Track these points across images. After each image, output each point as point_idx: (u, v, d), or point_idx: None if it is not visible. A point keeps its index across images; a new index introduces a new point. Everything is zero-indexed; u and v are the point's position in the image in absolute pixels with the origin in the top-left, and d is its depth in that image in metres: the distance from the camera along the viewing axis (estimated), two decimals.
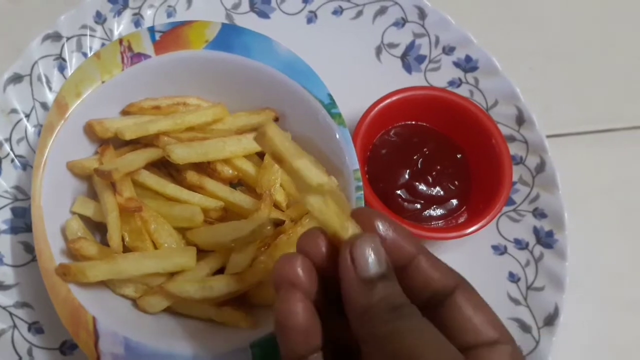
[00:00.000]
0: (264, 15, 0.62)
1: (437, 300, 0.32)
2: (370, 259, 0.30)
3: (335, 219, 0.32)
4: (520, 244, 0.55)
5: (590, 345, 0.55)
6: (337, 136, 0.49)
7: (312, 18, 0.63)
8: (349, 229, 0.32)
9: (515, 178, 0.56)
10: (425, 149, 0.55)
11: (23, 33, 0.58)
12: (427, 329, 0.29)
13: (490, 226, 0.52)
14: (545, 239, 0.54)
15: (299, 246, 0.33)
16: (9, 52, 0.55)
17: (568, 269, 0.52)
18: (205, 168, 0.48)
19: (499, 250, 0.55)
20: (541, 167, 0.57)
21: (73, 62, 0.56)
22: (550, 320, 0.51)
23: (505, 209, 0.55)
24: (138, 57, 0.49)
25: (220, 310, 0.44)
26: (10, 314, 0.48)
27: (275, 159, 0.32)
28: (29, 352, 0.47)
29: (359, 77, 0.60)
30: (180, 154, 0.46)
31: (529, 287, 0.53)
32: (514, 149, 0.57)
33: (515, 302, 0.53)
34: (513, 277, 0.54)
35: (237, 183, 0.51)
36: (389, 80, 0.59)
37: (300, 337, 0.31)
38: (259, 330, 0.43)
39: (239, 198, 0.48)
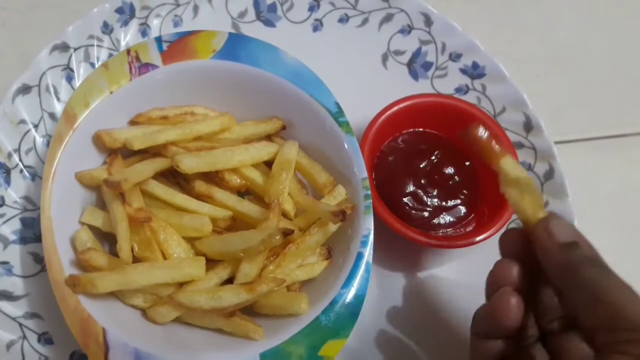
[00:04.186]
0: (270, 23, 0.62)
1: None
2: (564, 230, 0.38)
3: (529, 207, 0.39)
4: None
5: None
6: (345, 145, 0.49)
7: (318, 26, 0.63)
8: (540, 215, 0.39)
9: None
10: (433, 157, 0.55)
11: (31, 44, 0.58)
12: (626, 286, 0.34)
13: (499, 234, 0.52)
14: None
15: (501, 242, 0.42)
16: (17, 63, 0.55)
17: None
18: (213, 177, 0.49)
19: None
20: (550, 174, 0.57)
21: (81, 72, 0.56)
22: None
23: (514, 216, 0.55)
24: (146, 67, 0.49)
25: (230, 320, 0.44)
26: (20, 324, 0.48)
27: (484, 157, 0.41)
28: None
29: (365, 85, 0.60)
30: (189, 163, 0.46)
31: None
32: (522, 156, 0.57)
33: None
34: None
35: (245, 192, 0.51)
36: (395, 87, 0.59)
37: (512, 327, 0.38)
38: (268, 341, 0.43)
39: (248, 207, 0.48)
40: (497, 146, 0.41)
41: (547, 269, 0.38)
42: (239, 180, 0.49)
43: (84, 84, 0.48)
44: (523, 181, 0.40)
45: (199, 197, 0.48)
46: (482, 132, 0.41)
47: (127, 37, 0.59)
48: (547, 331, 0.40)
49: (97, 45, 0.57)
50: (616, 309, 0.33)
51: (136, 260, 0.45)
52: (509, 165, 0.41)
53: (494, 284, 0.40)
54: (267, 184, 0.48)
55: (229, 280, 0.46)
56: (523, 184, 0.40)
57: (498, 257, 0.55)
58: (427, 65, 0.62)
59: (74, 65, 0.56)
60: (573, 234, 0.38)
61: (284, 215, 0.48)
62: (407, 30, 0.62)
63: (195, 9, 0.61)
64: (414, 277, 0.55)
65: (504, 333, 0.39)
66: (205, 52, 0.50)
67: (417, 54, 0.62)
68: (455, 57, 0.61)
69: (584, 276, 0.35)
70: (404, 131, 0.57)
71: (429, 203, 0.54)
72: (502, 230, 0.54)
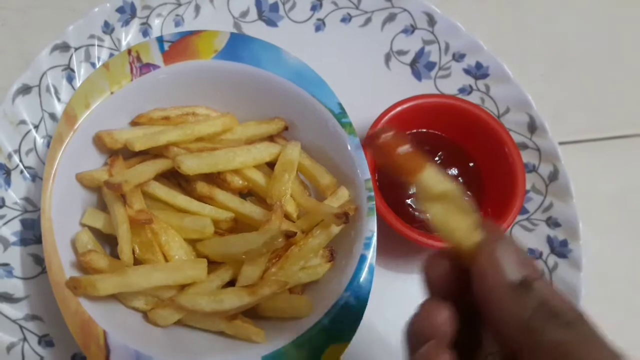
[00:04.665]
0: (272, 23, 0.62)
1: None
2: (515, 262, 0.28)
3: (459, 227, 0.30)
4: (534, 254, 0.54)
5: None
6: (348, 145, 0.49)
7: (320, 26, 0.62)
8: (476, 238, 0.30)
9: (528, 186, 0.55)
10: (436, 157, 0.54)
11: (31, 44, 0.58)
12: (598, 340, 0.27)
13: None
14: (560, 249, 0.54)
15: (426, 275, 0.32)
16: (17, 63, 0.55)
17: (583, 279, 0.52)
18: (215, 178, 0.48)
19: None
20: (554, 175, 0.56)
21: (81, 72, 0.56)
22: None
23: (518, 217, 0.55)
24: (147, 67, 0.49)
25: (232, 323, 0.44)
26: (21, 326, 0.48)
27: (395, 170, 0.31)
28: None
29: (368, 85, 0.60)
30: (190, 164, 0.46)
31: None
32: (526, 157, 0.57)
33: None
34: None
35: (247, 193, 0.50)
36: (398, 87, 0.58)
37: None
38: (270, 344, 0.43)
39: (250, 209, 0.47)
40: (408, 158, 0.31)
41: (494, 320, 0.29)
42: (240, 182, 0.49)
43: (84, 84, 0.48)
44: (449, 194, 0.31)
45: (201, 198, 0.47)
46: (391, 139, 0.31)
47: (128, 36, 0.58)
48: None
49: (98, 45, 0.57)
50: None
51: (137, 262, 0.44)
52: (431, 179, 0.31)
53: (418, 334, 0.30)
54: (269, 185, 0.48)
55: (231, 283, 0.45)
56: (450, 199, 0.31)
57: None
58: (430, 66, 0.61)
59: (74, 65, 0.56)
60: (524, 263, 0.29)
61: (286, 217, 0.48)
62: (410, 30, 0.62)
63: (197, 8, 0.61)
64: (418, 280, 0.54)
65: None
66: (207, 52, 0.50)
67: (420, 54, 0.62)
68: (458, 57, 0.61)
69: (546, 337, 0.27)
70: (408, 132, 0.56)
71: None
72: (507, 231, 0.53)
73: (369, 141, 0.31)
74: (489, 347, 0.31)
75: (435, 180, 0.31)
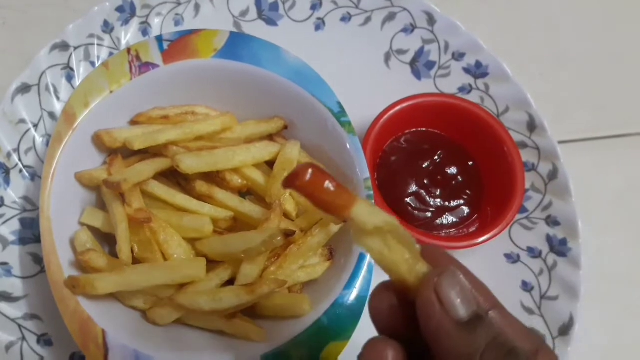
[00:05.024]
0: (272, 22, 0.62)
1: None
2: (461, 297, 0.27)
3: (401, 262, 0.28)
4: (534, 253, 0.54)
5: (606, 356, 0.54)
6: (347, 145, 0.48)
7: (320, 25, 0.62)
8: (420, 271, 0.28)
9: (527, 185, 0.55)
10: (436, 156, 0.54)
11: (31, 43, 0.58)
12: None
13: (502, 234, 0.51)
14: (559, 247, 0.54)
15: (371, 309, 0.30)
16: (17, 62, 0.55)
17: (583, 278, 0.52)
18: (214, 177, 0.48)
19: (512, 258, 0.55)
20: (554, 173, 0.56)
21: (81, 71, 0.56)
22: (565, 330, 0.50)
23: (517, 216, 0.55)
24: (146, 66, 0.49)
25: (231, 322, 0.44)
26: (19, 326, 0.48)
27: (325, 209, 0.29)
28: None
29: (368, 84, 0.60)
30: (190, 163, 0.46)
31: (542, 297, 0.52)
32: (525, 156, 0.57)
33: (529, 311, 0.52)
34: (526, 286, 0.53)
35: (247, 192, 0.50)
36: (398, 86, 0.58)
37: None
38: (269, 343, 0.43)
39: (249, 208, 0.47)
40: (336, 195, 0.28)
41: (443, 358, 0.27)
42: (240, 181, 0.49)
43: (83, 83, 0.48)
44: (385, 228, 0.28)
45: (200, 197, 0.47)
46: (314, 176, 0.27)
47: (128, 36, 0.58)
48: None
49: (98, 44, 0.57)
50: None
51: (136, 261, 0.44)
52: (364, 213, 0.28)
53: None
54: (269, 184, 0.48)
55: (230, 282, 0.45)
56: (387, 232, 0.28)
57: (501, 257, 0.55)
58: (430, 65, 0.61)
59: (74, 65, 0.55)
60: (472, 296, 0.27)
61: (286, 215, 0.48)
62: (410, 29, 0.62)
63: (197, 7, 0.61)
64: None
65: None
66: (207, 52, 0.50)
67: (420, 53, 0.62)
68: (458, 56, 0.61)
69: None
70: (407, 131, 0.56)
71: (431, 203, 0.53)
72: (507, 230, 0.53)
73: (289, 183, 0.28)
74: None
75: (368, 214, 0.28)
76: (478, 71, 0.60)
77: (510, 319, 0.28)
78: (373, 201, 0.47)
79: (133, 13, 0.59)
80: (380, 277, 0.53)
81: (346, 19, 0.62)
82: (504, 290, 0.52)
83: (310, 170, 0.27)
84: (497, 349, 0.26)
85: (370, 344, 0.29)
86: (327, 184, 0.28)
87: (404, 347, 0.28)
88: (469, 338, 0.26)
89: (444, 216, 0.53)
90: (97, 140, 0.48)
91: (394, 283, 0.29)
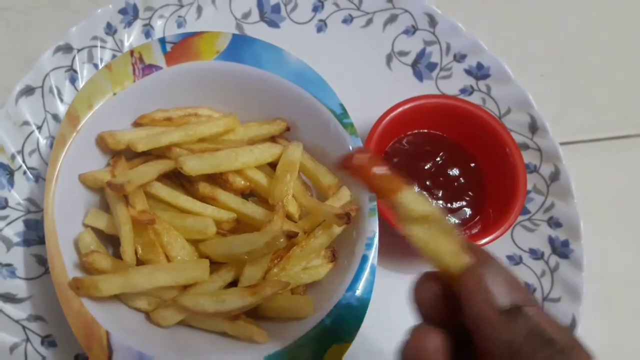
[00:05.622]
0: (274, 24, 0.62)
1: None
2: (503, 288, 0.28)
3: (445, 251, 0.30)
4: (536, 254, 0.54)
5: (609, 358, 0.53)
6: (350, 146, 0.49)
7: (322, 27, 0.62)
8: (463, 261, 0.29)
9: (529, 187, 0.56)
10: (438, 158, 0.54)
11: (34, 45, 0.58)
12: None
13: (504, 236, 0.52)
14: (561, 249, 0.54)
15: (415, 299, 0.31)
16: (20, 64, 0.55)
17: (585, 279, 0.52)
18: (217, 179, 0.48)
19: (514, 260, 0.55)
20: (555, 175, 0.56)
21: (84, 73, 0.56)
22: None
23: (519, 218, 0.55)
24: (149, 68, 0.49)
25: (234, 323, 0.44)
26: (24, 327, 0.48)
27: (375, 192, 0.31)
28: None
29: (369, 86, 0.60)
30: (193, 165, 0.46)
31: (545, 298, 0.53)
32: (527, 157, 0.57)
33: None
34: (529, 288, 0.53)
35: (249, 194, 0.50)
36: (400, 88, 0.58)
37: None
38: (272, 344, 0.43)
39: (252, 209, 0.47)
40: (386, 179, 0.31)
41: (485, 346, 0.28)
42: (243, 182, 0.49)
43: (87, 85, 0.48)
44: (431, 217, 0.30)
45: (203, 199, 0.47)
46: (368, 160, 0.31)
47: (131, 38, 0.59)
48: None
49: (101, 47, 0.57)
50: None
51: (140, 262, 0.45)
52: (410, 199, 0.30)
53: None
54: (271, 185, 0.48)
55: (233, 283, 0.45)
56: (432, 222, 0.30)
57: (503, 259, 0.55)
58: (431, 66, 0.61)
59: (77, 67, 0.56)
60: (515, 288, 0.29)
61: (288, 217, 0.48)
62: (411, 31, 0.62)
63: (199, 9, 0.61)
64: None
65: None
66: (209, 53, 0.50)
67: (421, 54, 0.62)
68: (459, 57, 0.61)
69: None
70: (409, 132, 0.56)
71: (434, 205, 0.53)
72: (509, 231, 0.53)
73: (345, 164, 0.30)
74: None
75: (415, 202, 0.30)
76: (479, 72, 0.60)
77: (548, 316, 0.29)
78: (376, 203, 0.47)
79: (136, 15, 0.59)
80: (382, 279, 0.53)
81: (348, 20, 0.62)
82: None
83: (365, 155, 0.30)
84: (535, 338, 0.27)
85: (415, 331, 0.30)
86: (380, 168, 0.30)
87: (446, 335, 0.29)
88: (509, 326, 0.27)
89: (446, 218, 0.54)
90: (101, 142, 0.48)
91: (437, 272, 0.30)
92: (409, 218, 0.30)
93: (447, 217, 0.31)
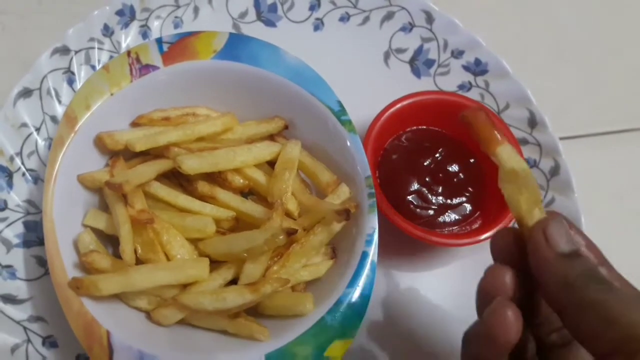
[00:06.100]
0: (270, 23, 0.62)
1: None
2: (564, 238, 0.33)
3: (524, 203, 0.35)
4: None
5: None
6: (348, 143, 0.49)
7: (319, 25, 0.62)
8: (536, 215, 0.35)
9: None
10: (437, 154, 0.54)
11: (32, 47, 0.58)
12: (632, 300, 0.30)
13: None
14: None
15: (493, 244, 0.36)
16: (18, 67, 0.55)
17: None
18: (216, 178, 0.48)
19: None
20: (555, 170, 0.56)
21: (82, 75, 0.56)
22: None
23: None
24: (146, 68, 0.49)
25: (234, 321, 0.44)
26: (24, 328, 0.48)
27: (481, 143, 0.37)
28: None
29: (367, 83, 0.60)
30: (191, 164, 0.46)
31: None
32: (527, 152, 0.57)
33: None
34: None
35: (248, 192, 0.50)
36: (398, 85, 0.58)
37: (510, 346, 0.33)
38: (273, 342, 0.43)
39: (251, 207, 0.47)
40: (495, 132, 0.37)
41: (544, 283, 0.33)
42: (241, 181, 0.49)
43: (84, 86, 0.48)
44: (521, 174, 0.36)
45: (202, 198, 0.47)
46: (481, 116, 0.38)
47: (128, 39, 0.59)
48: (547, 344, 0.36)
49: (98, 48, 0.57)
50: (630, 331, 0.28)
51: (139, 262, 0.45)
52: (506, 154, 0.36)
53: (486, 294, 0.35)
54: (270, 183, 0.48)
55: (233, 281, 0.45)
56: (520, 178, 0.36)
57: None
58: (429, 63, 0.61)
59: (75, 68, 0.56)
60: (574, 240, 0.34)
61: (288, 215, 0.48)
62: (408, 28, 0.62)
63: (196, 10, 0.61)
64: (420, 276, 0.54)
65: (501, 352, 0.33)
66: (206, 53, 0.50)
67: (419, 51, 0.62)
68: (457, 54, 0.61)
69: (587, 296, 0.31)
70: (408, 129, 0.56)
71: (433, 201, 0.53)
72: (509, 226, 0.53)
73: (471, 115, 0.38)
74: (550, 324, 0.36)
75: (510, 156, 0.36)
76: (477, 68, 0.60)
77: (615, 274, 0.35)
78: (375, 200, 0.47)
79: (133, 16, 0.59)
80: (382, 276, 0.53)
81: (345, 18, 0.62)
82: None
83: (485, 117, 0.38)
84: (588, 277, 0.31)
85: (491, 269, 0.35)
86: (491, 128, 0.37)
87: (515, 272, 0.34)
88: (567, 265, 0.32)
89: (446, 214, 0.53)
90: (99, 143, 0.48)
91: (511, 228, 0.37)
92: (504, 173, 0.36)
93: (533, 176, 0.36)
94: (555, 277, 0.32)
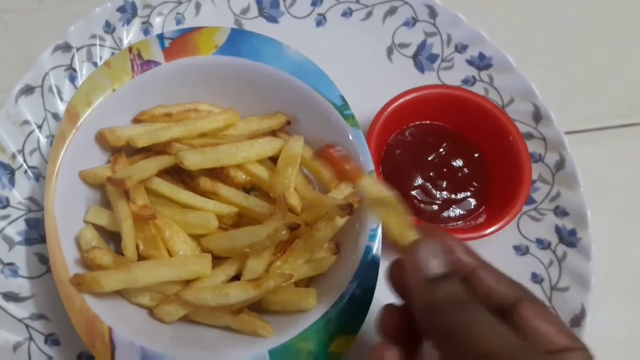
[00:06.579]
0: (272, 19, 0.62)
1: (503, 312, 0.33)
2: (432, 260, 0.33)
3: (395, 227, 0.36)
4: (543, 244, 0.54)
5: (619, 346, 0.53)
6: (351, 138, 0.48)
7: (321, 21, 0.62)
8: (409, 237, 0.36)
9: (534, 176, 0.55)
10: (441, 149, 0.54)
11: (33, 45, 0.58)
12: (489, 320, 0.30)
13: (510, 226, 0.51)
14: (568, 238, 0.53)
15: (380, 325, 0.37)
16: (20, 64, 0.55)
17: (593, 268, 0.51)
18: (218, 174, 0.48)
19: (521, 250, 0.54)
20: (561, 164, 0.55)
21: (84, 72, 0.56)
22: (577, 321, 0.50)
23: (525, 208, 0.54)
24: (148, 64, 0.49)
25: (237, 317, 0.43)
26: (27, 325, 0.48)
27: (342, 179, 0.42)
28: None
29: (370, 78, 0.59)
30: (193, 160, 0.45)
31: (553, 288, 0.52)
32: (532, 147, 0.56)
33: None
34: (536, 278, 0.52)
35: (251, 188, 0.50)
36: (401, 80, 0.57)
37: None
38: (277, 338, 0.42)
39: (253, 203, 0.47)
40: (351, 166, 0.40)
41: (414, 308, 0.34)
42: (244, 177, 0.48)
43: (86, 82, 0.48)
44: (386, 201, 0.38)
45: (204, 193, 0.47)
46: (334, 153, 0.40)
47: (130, 35, 0.58)
48: None
49: (100, 45, 0.57)
50: (487, 350, 0.28)
51: (141, 258, 0.44)
52: (368, 185, 0.39)
53: (382, 332, 0.37)
54: (273, 179, 0.47)
55: (236, 277, 0.45)
56: (386, 204, 0.38)
57: (510, 250, 0.54)
58: (432, 58, 0.61)
59: (76, 65, 0.56)
60: (444, 260, 0.33)
61: (291, 210, 0.47)
62: (411, 22, 0.61)
63: (197, 6, 0.61)
64: None
65: None
66: (208, 48, 0.50)
67: (422, 46, 0.61)
68: (461, 48, 0.60)
69: (447, 318, 0.31)
70: (411, 124, 0.56)
71: (438, 196, 0.53)
72: (514, 221, 0.53)
73: (321, 154, 0.41)
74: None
75: (372, 187, 0.39)
76: (481, 63, 0.60)
77: (496, 274, 0.34)
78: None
79: (134, 13, 0.59)
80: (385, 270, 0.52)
81: (347, 14, 0.62)
82: None
83: (336, 149, 0.41)
84: (449, 300, 0.31)
85: (374, 348, 0.35)
86: (347, 160, 0.40)
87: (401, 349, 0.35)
88: (431, 290, 0.32)
89: (451, 209, 0.53)
90: (101, 139, 0.48)
91: (393, 305, 0.37)
92: (370, 200, 0.39)
93: (399, 202, 0.37)
94: (421, 302, 0.32)
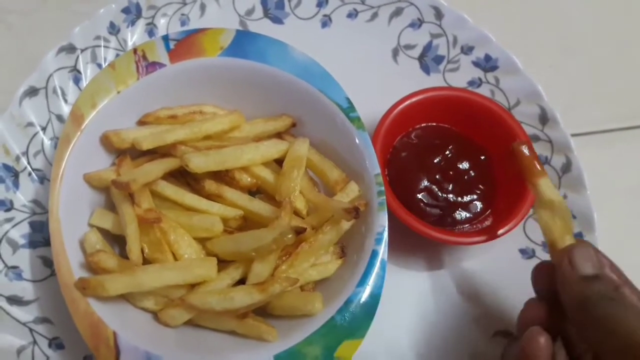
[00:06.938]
0: (277, 20, 0.61)
1: None
2: (586, 262, 0.38)
3: (557, 230, 0.41)
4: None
5: None
6: (357, 140, 0.48)
7: (326, 22, 0.62)
8: (567, 242, 0.41)
9: None
10: (447, 151, 0.53)
11: (37, 46, 0.58)
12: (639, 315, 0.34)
13: (517, 229, 0.51)
14: None
15: (533, 277, 0.43)
16: (24, 66, 0.54)
17: None
18: (223, 176, 0.48)
19: (527, 254, 0.54)
20: (567, 167, 0.55)
21: (88, 73, 0.56)
22: None
23: (531, 211, 0.54)
24: (153, 66, 0.48)
25: (243, 322, 0.43)
26: (30, 329, 0.47)
27: (524, 173, 0.45)
28: None
29: (376, 80, 0.59)
30: (198, 163, 0.45)
31: None
32: (538, 149, 0.56)
33: None
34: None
35: (256, 191, 0.50)
36: (407, 82, 0.57)
37: None
38: (282, 342, 0.42)
39: (259, 206, 0.47)
40: (538, 166, 0.44)
41: (564, 302, 0.38)
42: (249, 179, 0.48)
43: (90, 84, 0.48)
44: (557, 205, 0.42)
45: (209, 196, 0.47)
46: (526, 150, 0.45)
47: (134, 37, 0.58)
48: None
49: (104, 46, 0.57)
50: (628, 340, 0.33)
51: (146, 261, 0.44)
52: (545, 186, 0.43)
53: (523, 323, 0.41)
54: (278, 182, 0.47)
55: (242, 281, 0.45)
56: (556, 208, 0.42)
57: (516, 253, 0.54)
58: (438, 59, 0.61)
59: (81, 67, 0.55)
60: (597, 264, 0.38)
61: (296, 213, 0.47)
62: (417, 24, 0.61)
63: (202, 7, 0.60)
64: (431, 275, 0.53)
65: None
66: (213, 50, 0.49)
67: (428, 47, 0.61)
68: (467, 50, 0.60)
69: (596, 312, 0.35)
70: (417, 126, 0.56)
71: (444, 199, 0.52)
72: (521, 225, 0.53)
73: (513, 147, 0.46)
74: (581, 345, 0.39)
75: (548, 188, 0.43)
76: (487, 64, 0.59)
77: (637, 293, 0.37)
78: (384, 197, 0.46)
79: (139, 14, 0.58)
80: (393, 275, 0.52)
81: (353, 15, 0.62)
82: (519, 286, 0.52)
83: (530, 151, 0.45)
84: (601, 296, 0.36)
85: (528, 304, 0.42)
86: (535, 162, 0.45)
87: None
88: (584, 287, 0.37)
89: (457, 211, 0.53)
90: (106, 141, 0.47)
91: (547, 243, 0.43)
92: (541, 201, 0.43)
93: (569, 209, 0.42)
94: (574, 297, 0.37)
